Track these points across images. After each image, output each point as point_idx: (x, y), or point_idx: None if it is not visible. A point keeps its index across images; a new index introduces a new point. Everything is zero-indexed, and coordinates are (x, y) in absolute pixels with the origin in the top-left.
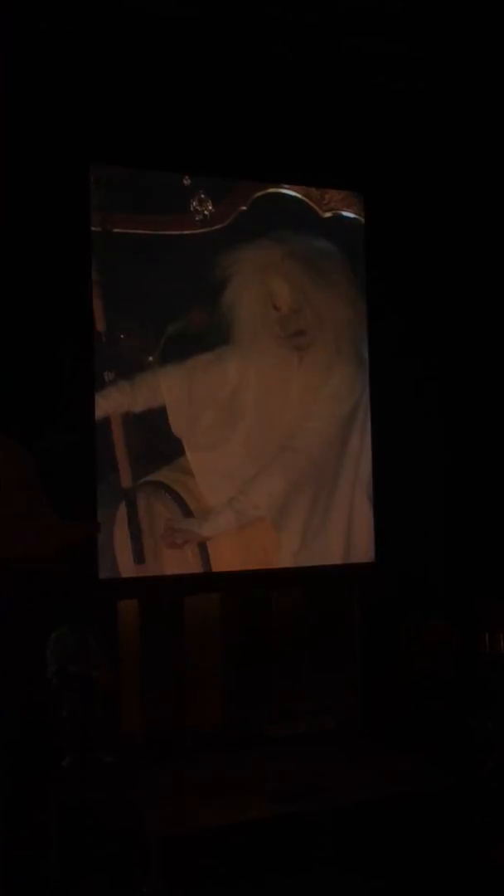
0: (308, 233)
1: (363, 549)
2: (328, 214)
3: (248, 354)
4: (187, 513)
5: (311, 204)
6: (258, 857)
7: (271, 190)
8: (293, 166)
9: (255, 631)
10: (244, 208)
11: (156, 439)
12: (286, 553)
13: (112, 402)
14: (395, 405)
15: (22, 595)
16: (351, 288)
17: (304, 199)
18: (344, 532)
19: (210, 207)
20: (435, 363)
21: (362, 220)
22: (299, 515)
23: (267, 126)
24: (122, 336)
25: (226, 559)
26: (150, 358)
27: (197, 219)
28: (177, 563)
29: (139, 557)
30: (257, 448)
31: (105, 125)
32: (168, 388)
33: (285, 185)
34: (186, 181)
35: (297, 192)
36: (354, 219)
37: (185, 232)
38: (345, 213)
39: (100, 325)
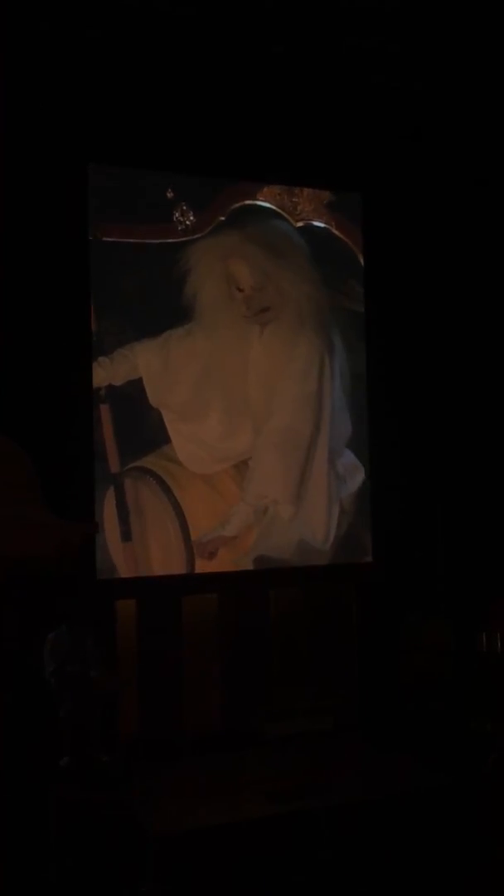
0: (264, 216)
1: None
2: (300, 224)
3: (216, 338)
4: (170, 495)
5: (285, 214)
6: (257, 856)
7: (248, 202)
8: (292, 166)
9: (254, 630)
10: (223, 218)
11: (141, 427)
12: (285, 527)
13: (95, 378)
14: (393, 404)
15: (21, 595)
16: (309, 265)
17: (278, 209)
18: (325, 498)
19: (191, 218)
20: (432, 361)
21: (332, 228)
22: (297, 489)
23: (264, 126)
24: (110, 337)
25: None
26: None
27: (179, 228)
28: (161, 544)
29: (126, 537)
30: (235, 425)
31: (104, 125)
32: (144, 360)
33: (260, 198)
34: (170, 194)
35: (272, 203)
36: (324, 227)
37: (169, 240)
38: (315, 223)
39: (93, 327)
